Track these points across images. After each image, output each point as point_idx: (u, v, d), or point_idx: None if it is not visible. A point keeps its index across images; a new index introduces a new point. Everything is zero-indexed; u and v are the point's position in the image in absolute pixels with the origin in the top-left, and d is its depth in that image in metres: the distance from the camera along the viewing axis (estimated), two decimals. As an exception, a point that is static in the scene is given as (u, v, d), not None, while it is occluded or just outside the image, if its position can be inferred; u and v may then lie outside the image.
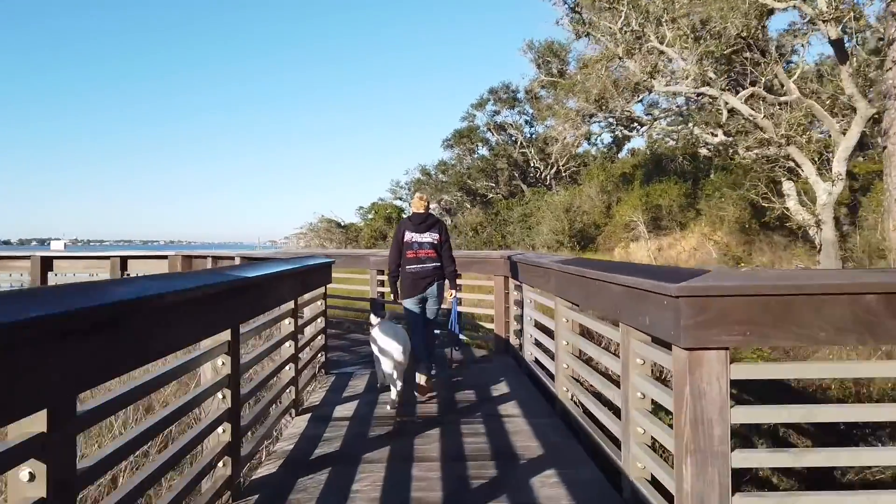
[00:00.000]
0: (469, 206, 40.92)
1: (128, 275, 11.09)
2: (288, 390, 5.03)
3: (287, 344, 5.03)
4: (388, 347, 5.27)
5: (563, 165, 40.25)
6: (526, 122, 42.45)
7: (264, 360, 5.33)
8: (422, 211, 5.81)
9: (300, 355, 5.94)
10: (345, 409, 5.29)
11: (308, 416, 5.10)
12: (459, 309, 7.08)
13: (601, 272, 3.60)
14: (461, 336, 8.02)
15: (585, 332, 4.98)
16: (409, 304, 5.77)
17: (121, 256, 11.77)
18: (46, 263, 11.58)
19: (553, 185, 39.87)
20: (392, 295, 5.95)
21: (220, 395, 3.39)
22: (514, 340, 7.46)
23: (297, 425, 4.85)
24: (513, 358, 7.31)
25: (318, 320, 6.59)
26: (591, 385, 4.38)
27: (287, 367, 5.02)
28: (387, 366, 5.28)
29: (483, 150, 43.14)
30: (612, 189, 31.84)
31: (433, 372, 5.90)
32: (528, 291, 6.51)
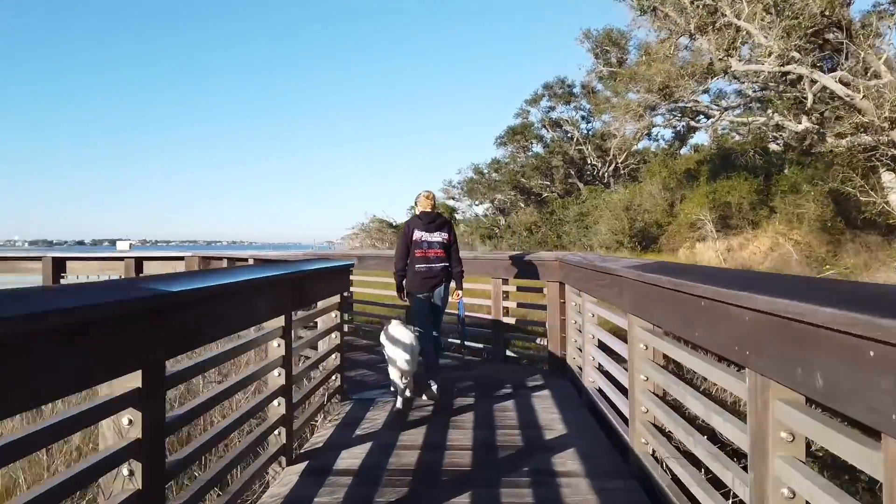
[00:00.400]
0: (523, 205, 39.43)
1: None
2: (276, 433, 3.87)
3: (275, 373, 3.87)
4: (396, 353, 5.00)
5: (621, 162, 38.38)
6: (582, 117, 40.70)
7: (238, 395, 4.25)
8: (430, 210, 5.64)
9: (302, 382, 4.82)
10: (353, 456, 4.10)
11: (304, 465, 3.93)
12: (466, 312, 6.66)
13: (715, 287, 2.29)
14: (465, 342, 7.08)
15: (674, 365, 3.66)
16: (415, 303, 5.58)
17: (136, 258, 10.93)
18: (59, 265, 10.82)
19: (611, 183, 38.03)
20: (397, 293, 5.78)
21: (125, 470, 2.24)
22: (571, 360, 6.15)
23: (284, 481, 3.69)
24: (570, 383, 6.00)
25: (332, 335, 5.44)
26: (684, 444, 3.05)
27: (275, 403, 3.87)
28: (393, 372, 5.03)
29: (537, 148, 41.59)
30: (676, 186, 29.87)
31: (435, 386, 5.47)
32: (590, 302, 5.20)
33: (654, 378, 3.52)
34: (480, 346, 7.57)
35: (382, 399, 5.53)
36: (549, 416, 4.93)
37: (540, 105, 40.94)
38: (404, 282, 5.62)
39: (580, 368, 5.69)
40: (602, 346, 5.07)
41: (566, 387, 5.91)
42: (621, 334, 4.36)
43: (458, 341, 6.94)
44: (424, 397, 5.41)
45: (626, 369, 4.02)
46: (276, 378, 3.88)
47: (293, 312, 4.00)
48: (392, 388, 5.22)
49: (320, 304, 5.43)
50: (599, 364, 5.04)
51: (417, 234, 5.50)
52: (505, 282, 7.14)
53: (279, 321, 3.84)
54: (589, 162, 39.90)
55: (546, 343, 6.69)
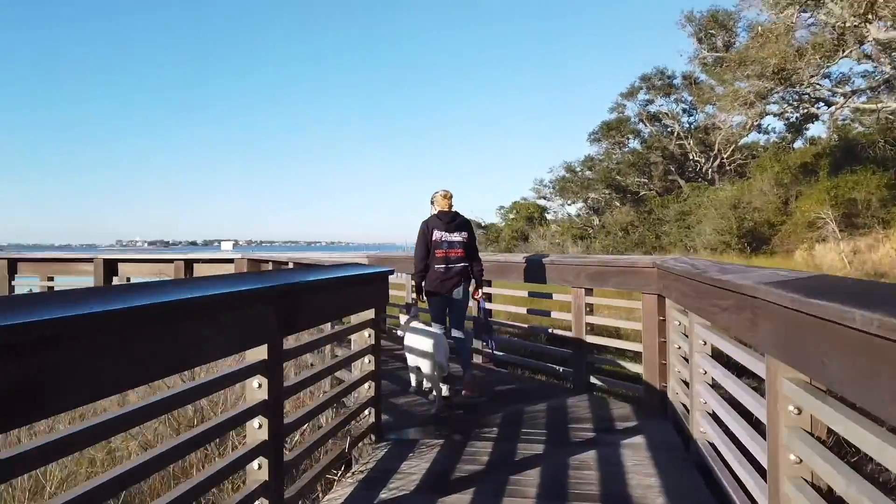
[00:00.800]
0: (618, 204, 37.36)
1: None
2: (255, 506, 2.80)
3: (255, 424, 2.80)
4: (425, 349, 5.10)
5: (726, 157, 35.67)
6: (683, 110, 38.26)
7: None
8: (447, 209, 5.53)
9: (307, 427, 3.77)
10: (365, 537, 2.99)
11: (294, 551, 2.85)
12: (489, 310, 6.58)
13: None
14: (491, 341, 6.72)
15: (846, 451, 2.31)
16: (435, 303, 5.53)
17: (185, 259, 10.43)
18: (110, 267, 10.55)
19: (716, 180, 35.38)
20: (416, 294, 5.65)
21: None
22: (673, 396, 4.79)
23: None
24: (672, 427, 4.64)
25: (366, 359, 4.36)
26: None
27: (255, 465, 2.80)
28: (426, 369, 5.15)
29: (634, 143, 39.45)
30: (790, 182, 27.11)
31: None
32: (701, 326, 3.85)
33: (813, 464, 2.18)
34: (559, 368, 6.29)
35: (427, 442, 4.39)
36: (645, 481, 3.62)
37: (637, 98, 38.84)
38: (424, 283, 5.52)
39: (686, 409, 4.35)
40: (715, 386, 3.72)
41: (667, 432, 4.55)
42: (750, 375, 3.03)
43: (488, 350, 6.69)
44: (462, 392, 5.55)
45: (762, 436, 2.68)
46: (256, 431, 2.81)
47: (279, 340, 2.92)
48: (428, 393, 5.46)
49: (354, 317, 4.37)
50: (714, 412, 3.68)
51: (437, 234, 5.41)
52: (589, 292, 5.83)
53: (258, 353, 2.78)
54: (691, 157, 37.40)
55: (641, 371, 5.34)
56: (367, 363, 4.34)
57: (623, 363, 5.74)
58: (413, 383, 5.72)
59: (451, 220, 5.46)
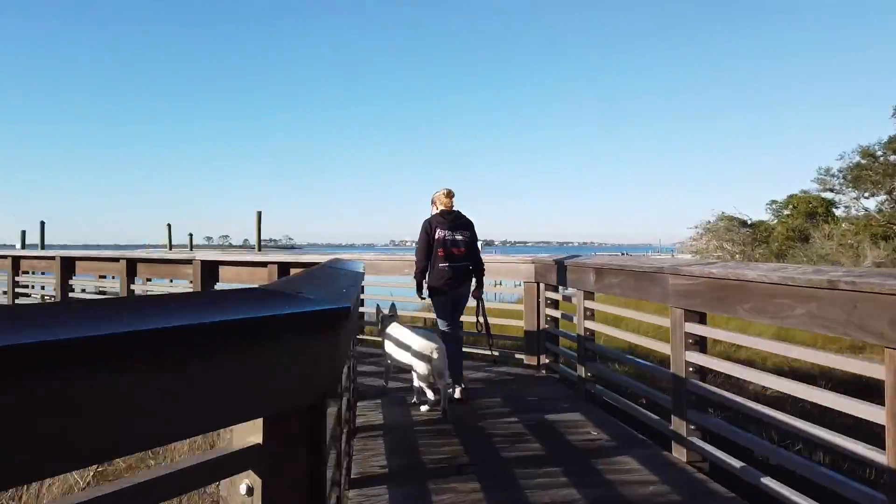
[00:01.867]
0: (938, 194, 28.80)
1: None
2: None
3: None
4: (421, 349, 4.96)
5: None
6: None
7: None
8: (449, 209, 5.61)
9: None
10: None
11: None
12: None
13: None
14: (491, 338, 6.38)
15: None
16: (439, 302, 5.54)
17: (279, 263, 9.06)
18: (210, 269, 9.58)
19: None
20: (418, 292, 5.73)
21: None
22: None
23: None
24: None
25: None
26: None
27: None
28: (422, 370, 4.97)
29: (963, 114, 30.13)
30: None
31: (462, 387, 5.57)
32: None
33: None
34: None
35: None
36: None
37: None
38: (425, 281, 5.56)
39: None
40: None
41: None
42: None
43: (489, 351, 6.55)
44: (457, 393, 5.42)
45: None
46: None
47: None
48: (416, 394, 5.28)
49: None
50: None
51: (440, 233, 5.46)
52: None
53: None
54: None
55: None
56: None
57: None
58: (386, 382, 5.72)
59: (455, 219, 5.55)
